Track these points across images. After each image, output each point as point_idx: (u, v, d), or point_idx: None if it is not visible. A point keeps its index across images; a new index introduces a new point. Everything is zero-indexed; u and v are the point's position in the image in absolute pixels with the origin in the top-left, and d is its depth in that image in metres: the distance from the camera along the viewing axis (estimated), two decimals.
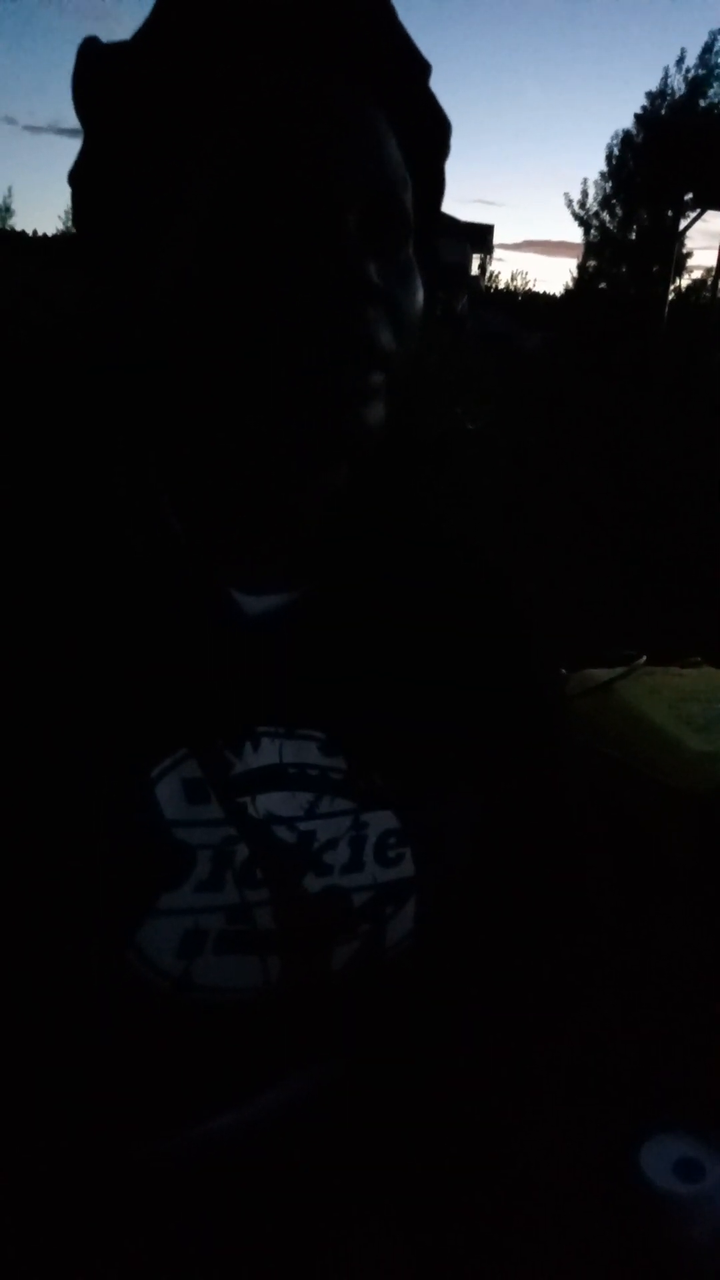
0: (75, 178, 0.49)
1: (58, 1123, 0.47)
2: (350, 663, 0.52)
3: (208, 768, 0.47)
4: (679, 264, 17.35)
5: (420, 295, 0.50)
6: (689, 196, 16.30)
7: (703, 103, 16.77)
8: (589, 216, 18.00)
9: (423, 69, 0.50)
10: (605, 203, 17.76)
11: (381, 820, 0.50)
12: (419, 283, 0.50)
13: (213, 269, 0.45)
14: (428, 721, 0.54)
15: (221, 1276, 0.48)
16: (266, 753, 0.49)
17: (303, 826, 0.49)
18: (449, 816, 0.53)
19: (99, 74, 0.47)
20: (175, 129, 0.46)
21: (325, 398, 0.45)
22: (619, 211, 17.69)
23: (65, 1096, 0.47)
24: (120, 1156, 0.48)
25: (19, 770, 0.45)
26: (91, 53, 0.47)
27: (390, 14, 0.48)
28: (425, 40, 0.51)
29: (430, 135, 0.51)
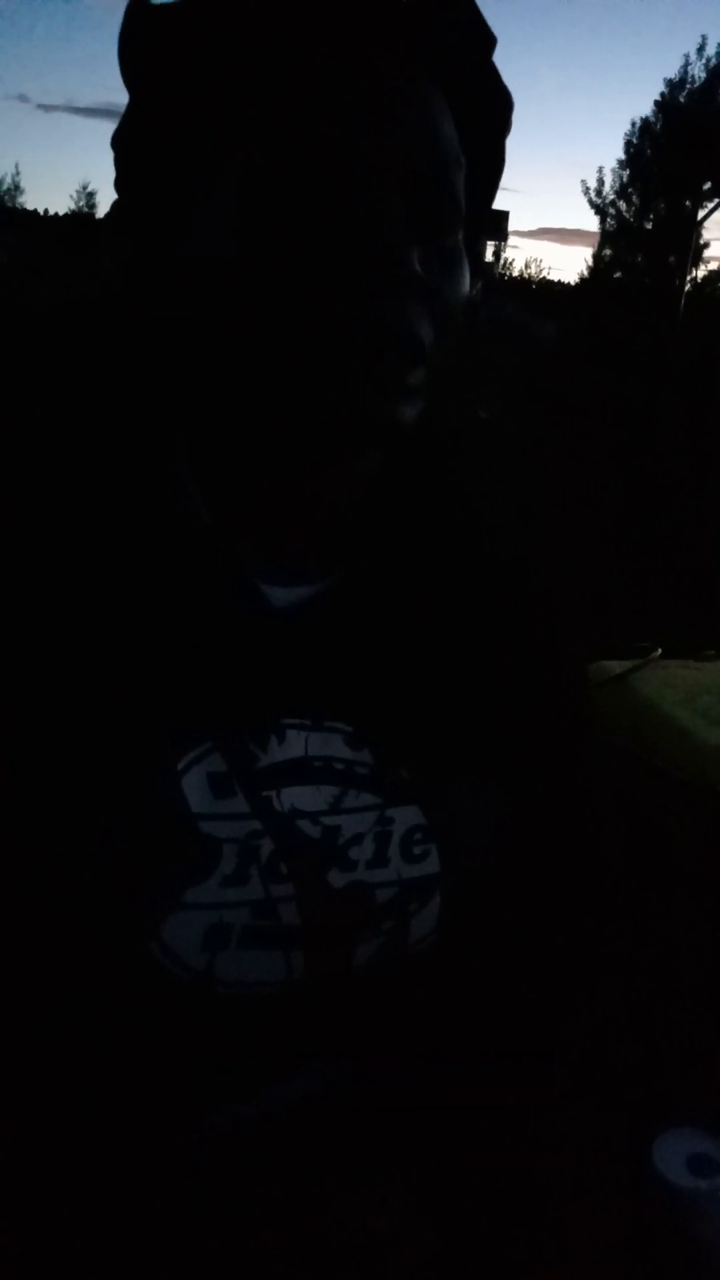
0: (118, 140, 0.48)
1: (79, 1110, 0.47)
2: (378, 655, 0.51)
3: (233, 761, 0.47)
4: (696, 254, 17.23)
5: (465, 284, 0.47)
6: (708, 185, 16.17)
7: None
8: (605, 205, 17.87)
9: (487, 42, 0.47)
10: (622, 191, 17.61)
11: (408, 816, 0.50)
12: (465, 271, 0.48)
13: (249, 247, 0.43)
14: (456, 715, 0.53)
15: (237, 1263, 0.48)
16: (292, 745, 0.48)
17: (327, 821, 0.48)
18: (475, 813, 0.52)
19: (146, 34, 0.46)
20: (220, 95, 0.44)
21: (359, 390, 0.43)
22: (636, 200, 17.54)
23: (86, 1085, 0.47)
24: (139, 1144, 0.48)
25: (46, 761, 0.44)
26: (139, 12, 0.46)
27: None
28: None
29: (491, 113, 0.49)
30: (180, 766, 0.46)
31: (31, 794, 0.44)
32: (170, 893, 0.44)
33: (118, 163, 0.48)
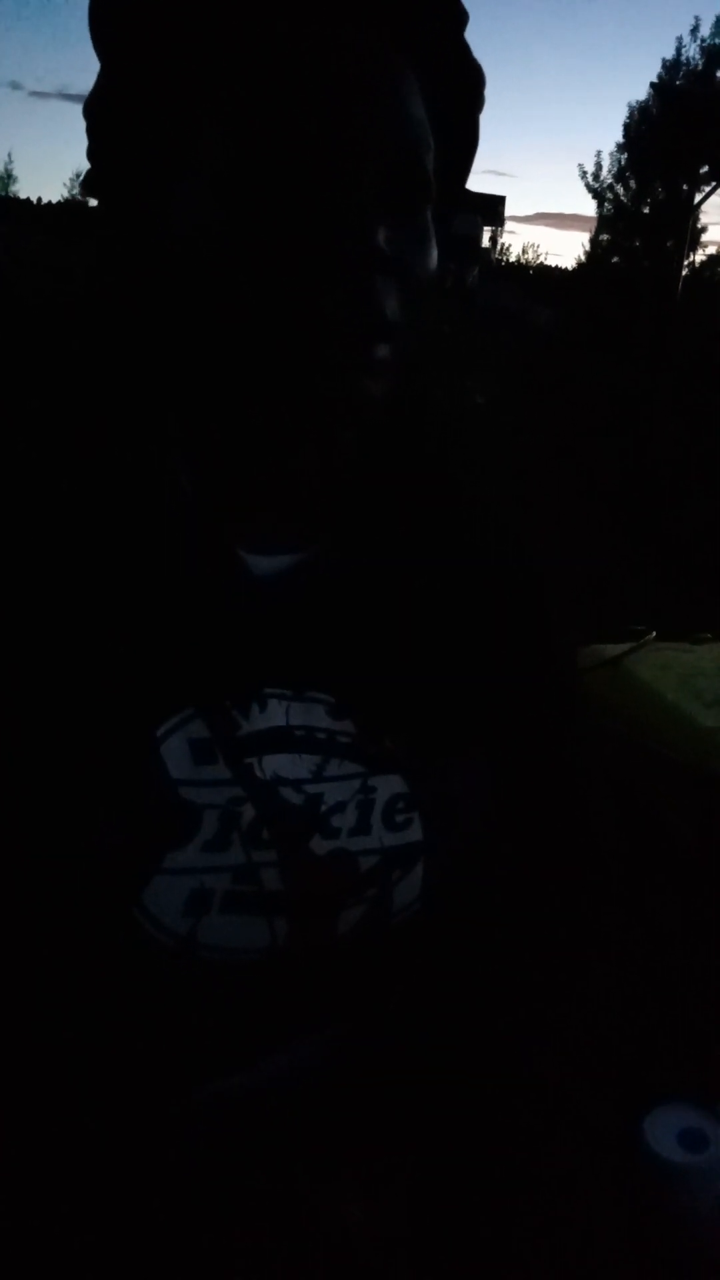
0: (90, 110, 0.48)
1: (65, 1083, 0.48)
2: (360, 625, 0.51)
3: (214, 728, 0.47)
4: (694, 238, 17.15)
5: (434, 261, 0.48)
6: (705, 169, 16.10)
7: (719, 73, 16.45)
8: (603, 189, 17.77)
9: (459, 19, 0.47)
10: (620, 175, 17.51)
11: (390, 784, 0.50)
12: (434, 248, 0.48)
13: (225, 225, 0.43)
14: (440, 686, 0.53)
15: (227, 1237, 0.48)
16: (274, 714, 0.49)
17: (310, 789, 0.48)
18: (460, 782, 0.53)
19: (116, 5, 0.46)
20: (191, 72, 0.44)
21: (326, 367, 0.44)
22: (633, 184, 17.45)
23: (74, 1057, 0.47)
24: (126, 1117, 0.48)
25: (23, 727, 0.44)
26: None
27: None
28: None
29: (462, 90, 0.49)
30: (160, 733, 0.46)
31: (9, 761, 0.44)
32: (150, 858, 0.45)
33: (90, 133, 0.48)
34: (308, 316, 0.43)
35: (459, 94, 0.49)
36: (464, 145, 0.51)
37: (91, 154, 0.48)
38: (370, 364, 0.45)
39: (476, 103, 0.50)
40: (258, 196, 0.43)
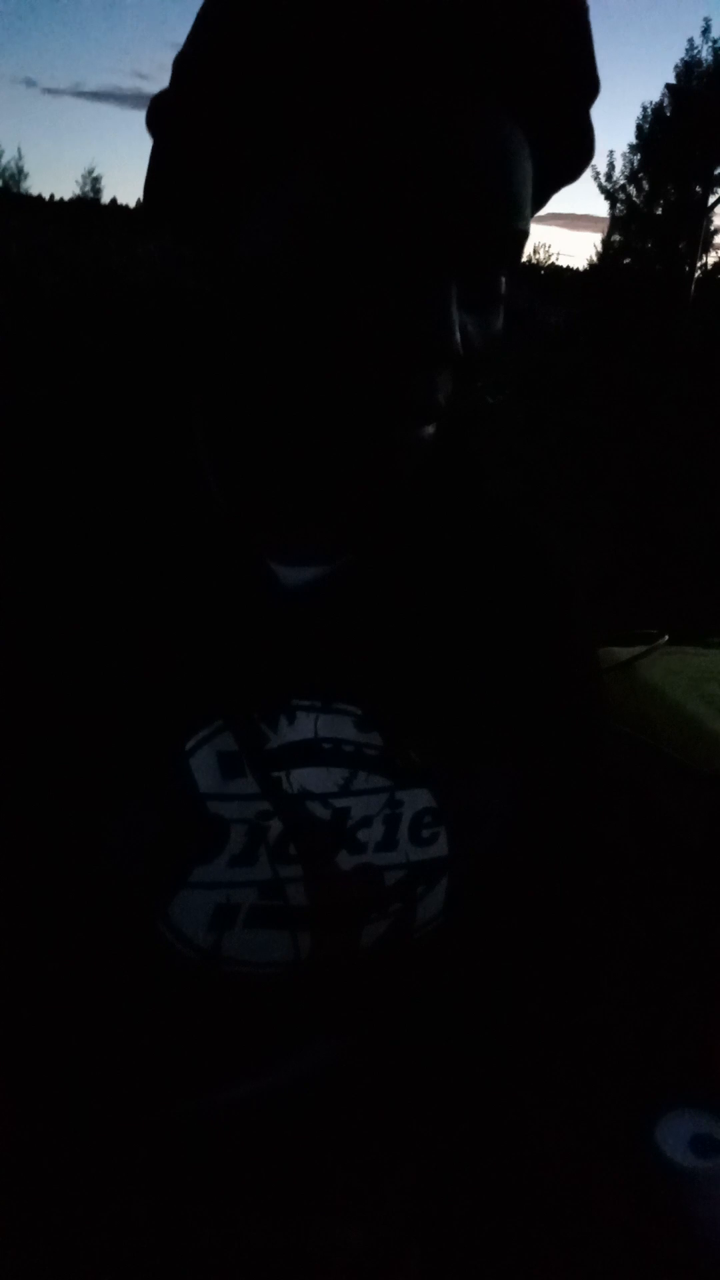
0: (173, 106, 0.45)
1: (83, 1088, 0.48)
2: (388, 637, 0.51)
3: (243, 741, 0.47)
4: (706, 240, 17.13)
5: (499, 324, 0.46)
6: (718, 171, 16.08)
7: None
8: (615, 190, 17.74)
9: (588, 92, 0.45)
10: (633, 176, 17.48)
11: (417, 799, 0.50)
12: (501, 312, 0.46)
13: (299, 256, 0.42)
14: (466, 697, 0.53)
15: (231, 1236, 0.48)
16: (302, 727, 0.48)
17: (337, 803, 0.48)
18: (484, 795, 0.52)
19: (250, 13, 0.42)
20: (304, 94, 0.41)
21: (366, 449, 0.43)
22: (646, 185, 17.41)
23: (92, 1063, 0.47)
24: (141, 1121, 0.48)
25: (54, 740, 0.44)
26: None
27: (576, 29, 0.42)
28: None
29: (571, 164, 0.47)
30: (189, 746, 0.45)
31: (40, 772, 0.44)
32: (177, 872, 0.44)
33: (167, 124, 0.45)
34: (358, 402, 0.42)
35: (566, 165, 0.47)
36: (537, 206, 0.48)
37: (167, 148, 0.46)
38: (410, 446, 0.44)
39: (578, 173, 0.48)
40: (340, 239, 0.41)
